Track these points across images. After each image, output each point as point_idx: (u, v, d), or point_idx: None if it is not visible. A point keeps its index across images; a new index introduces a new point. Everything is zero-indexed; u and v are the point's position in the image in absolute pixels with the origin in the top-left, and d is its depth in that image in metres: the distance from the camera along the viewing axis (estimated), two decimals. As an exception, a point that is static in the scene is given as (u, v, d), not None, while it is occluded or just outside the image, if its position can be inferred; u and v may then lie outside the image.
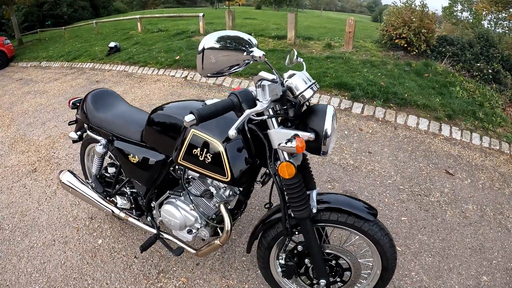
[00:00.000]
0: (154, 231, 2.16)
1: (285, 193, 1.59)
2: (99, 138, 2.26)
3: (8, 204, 3.16)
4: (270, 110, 1.46)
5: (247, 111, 1.37)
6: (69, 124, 2.51)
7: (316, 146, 1.49)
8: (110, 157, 2.45)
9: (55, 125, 5.12)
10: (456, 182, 3.26)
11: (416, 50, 6.49)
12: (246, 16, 19.66)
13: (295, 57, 1.64)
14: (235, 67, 1.40)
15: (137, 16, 12.44)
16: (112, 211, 2.35)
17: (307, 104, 1.55)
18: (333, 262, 1.83)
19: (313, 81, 1.53)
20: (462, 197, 3.04)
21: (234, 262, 2.40)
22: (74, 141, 2.55)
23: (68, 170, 2.57)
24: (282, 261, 1.82)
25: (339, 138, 4.04)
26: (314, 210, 1.63)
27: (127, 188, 2.29)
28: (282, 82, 1.49)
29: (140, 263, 2.37)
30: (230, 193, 1.88)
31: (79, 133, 2.45)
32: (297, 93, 1.46)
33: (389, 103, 4.73)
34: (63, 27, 16.75)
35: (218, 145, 1.58)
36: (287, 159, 1.51)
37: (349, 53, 6.88)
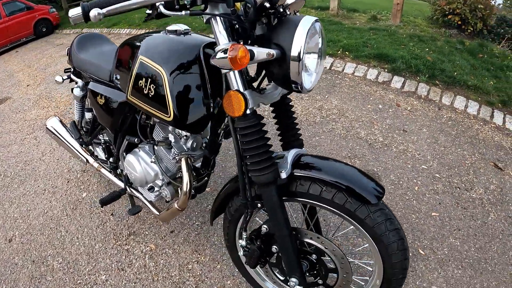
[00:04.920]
0: (122, 185, 1.91)
1: (240, 142, 1.16)
2: (78, 80, 2.15)
3: (17, 154, 3.39)
4: (218, 19, 1.06)
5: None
6: (64, 71, 2.32)
7: (283, 74, 1.03)
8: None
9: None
10: (506, 179, 2.64)
11: (471, 29, 5.69)
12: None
13: None
14: None
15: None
16: (87, 160, 2.26)
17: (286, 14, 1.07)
18: (314, 257, 1.33)
19: None
20: (511, 198, 2.43)
21: (212, 235, 2.12)
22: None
23: (56, 117, 2.52)
24: (243, 242, 1.37)
25: (370, 112, 3.47)
26: (284, 175, 1.15)
27: (101, 135, 2.16)
28: None
29: (115, 221, 2.29)
30: (194, 145, 1.54)
31: (65, 76, 2.29)
32: None
33: (435, 80, 4.07)
34: (110, -3, 17.10)
35: (161, 74, 1.26)
36: (239, 88, 1.08)
37: (395, 27, 6.15)
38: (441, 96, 3.85)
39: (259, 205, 1.28)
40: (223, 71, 1.10)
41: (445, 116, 3.48)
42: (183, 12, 0.99)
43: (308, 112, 3.50)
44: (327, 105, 3.63)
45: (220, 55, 0.99)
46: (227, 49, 0.96)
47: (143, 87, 1.34)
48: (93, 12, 0.93)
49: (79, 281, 1.92)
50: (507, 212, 2.30)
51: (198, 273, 1.90)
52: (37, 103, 4.76)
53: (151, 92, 1.31)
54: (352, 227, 1.22)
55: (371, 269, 1.31)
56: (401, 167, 2.67)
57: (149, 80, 1.31)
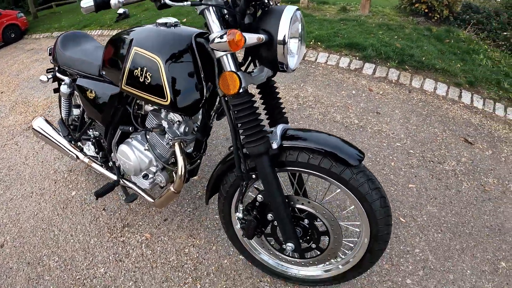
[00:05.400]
0: (115, 177, 1.99)
1: (234, 118, 1.28)
2: (64, 78, 2.16)
3: (-1, 161, 3.28)
4: (211, 9, 1.17)
5: None
6: (47, 72, 2.31)
7: (272, 57, 1.18)
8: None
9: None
10: (476, 152, 2.79)
11: (438, 16, 5.90)
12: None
13: None
14: None
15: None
16: (76, 156, 2.26)
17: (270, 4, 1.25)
18: (306, 222, 1.44)
19: None
20: (481, 169, 2.57)
21: (205, 220, 2.18)
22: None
23: (41, 117, 2.52)
24: (240, 215, 1.47)
25: (344, 97, 3.56)
26: (275, 146, 1.28)
27: (91, 130, 2.15)
28: None
29: (108, 215, 2.30)
30: (186, 130, 1.63)
31: (49, 75, 2.29)
32: None
33: (404, 65, 4.21)
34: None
35: (157, 61, 1.36)
36: (233, 69, 1.20)
37: (364, 17, 6.30)
38: (411, 80, 3.99)
39: (253, 176, 1.37)
40: (218, 55, 1.21)
41: (415, 98, 3.62)
42: (185, 3, 1.08)
43: (286, 100, 3.57)
44: (303, 93, 3.71)
45: (218, 40, 1.11)
46: (223, 34, 1.09)
47: (139, 76, 1.42)
48: (114, 1, 1.04)
49: (78, 277, 1.91)
50: (480, 181, 2.43)
51: (195, 256, 1.94)
52: (13, 109, 4.59)
53: (147, 79, 1.40)
54: (338, 190, 1.33)
55: (358, 230, 1.39)
56: (377, 145, 2.77)
57: (145, 68, 1.39)
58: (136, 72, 1.43)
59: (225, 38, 1.08)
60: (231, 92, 1.19)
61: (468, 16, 6.06)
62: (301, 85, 3.90)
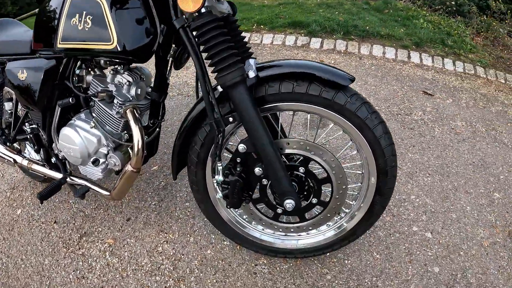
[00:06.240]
0: (60, 175, 1.68)
1: (198, 48, 1.08)
2: None
3: None
4: None
5: None
6: None
7: None
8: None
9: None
10: (437, 101, 2.78)
11: (373, -9, 6.01)
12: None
13: None
14: None
15: None
16: (14, 160, 1.88)
17: None
18: (301, 170, 1.20)
19: None
20: (447, 115, 2.56)
21: (174, 210, 1.90)
22: None
23: None
24: (220, 177, 1.19)
25: (298, 70, 3.46)
26: (252, 74, 1.09)
27: (27, 125, 1.82)
28: None
29: (60, 228, 1.94)
30: (139, 92, 1.37)
31: None
32: None
33: (350, 36, 4.20)
34: (6, 22, 16.05)
35: (99, 1, 1.14)
36: None
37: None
38: (359, 48, 3.97)
39: (231, 119, 1.15)
40: None
41: (367, 63, 3.59)
42: None
43: (238, 82, 3.40)
44: (254, 72, 3.56)
45: None
46: None
47: (77, 23, 1.20)
48: None
49: (35, 308, 1.57)
50: (449, 126, 2.42)
51: (171, 253, 1.68)
52: None
53: (87, 24, 1.18)
54: (331, 125, 1.17)
55: (361, 173, 1.22)
56: (342, 108, 2.67)
57: (84, 12, 1.18)
58: (73, 21, 1.21)
59: None
60: (193, 8, 0.98)
61: (402, -12, 6.20)
62: (251, 66, 3.75)
